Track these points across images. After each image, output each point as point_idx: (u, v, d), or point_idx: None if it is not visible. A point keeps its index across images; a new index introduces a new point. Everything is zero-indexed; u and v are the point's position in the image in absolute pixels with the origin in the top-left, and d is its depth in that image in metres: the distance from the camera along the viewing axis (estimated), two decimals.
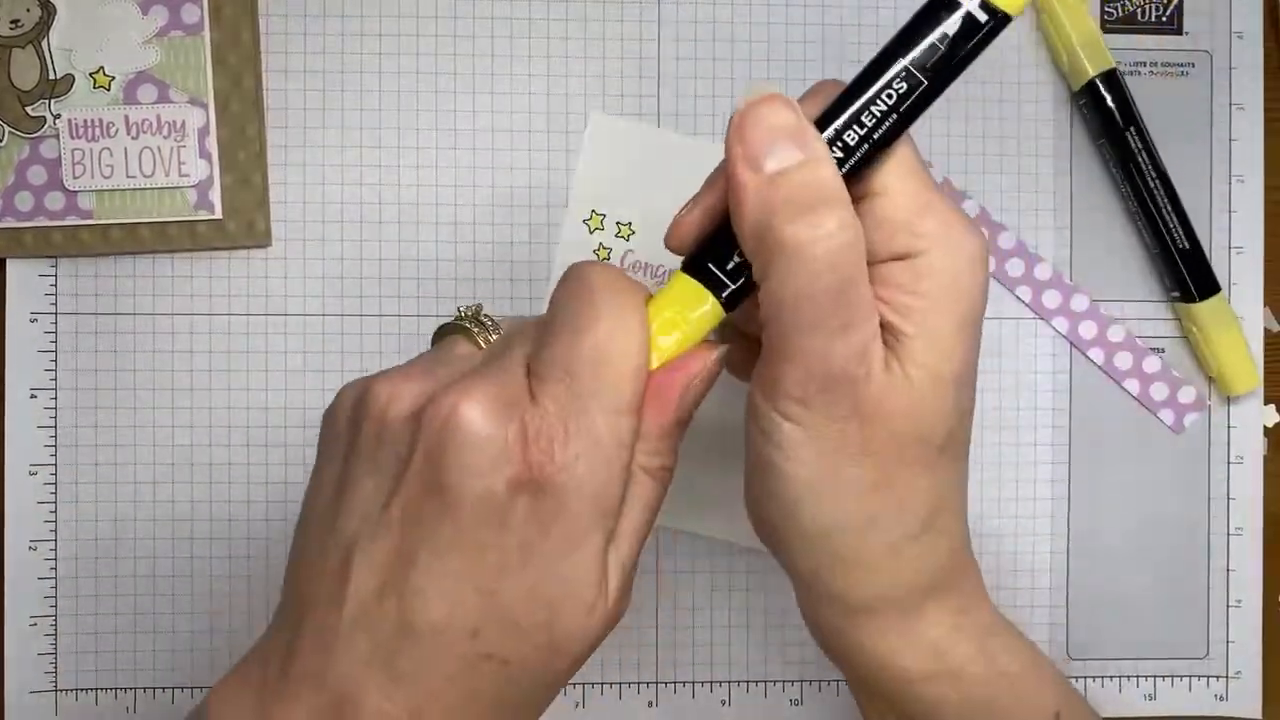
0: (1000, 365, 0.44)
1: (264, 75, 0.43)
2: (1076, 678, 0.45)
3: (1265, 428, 0.45)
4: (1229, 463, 0.45)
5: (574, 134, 0.44)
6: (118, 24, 0.42)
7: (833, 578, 0.30)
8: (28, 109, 0.42)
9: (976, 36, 0.27)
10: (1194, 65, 0.45)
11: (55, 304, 0.43)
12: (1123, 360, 0.44)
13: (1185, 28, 0.45)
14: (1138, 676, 0.45)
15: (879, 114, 0.28)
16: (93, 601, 0.43)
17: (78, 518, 0.43)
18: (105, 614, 0.43)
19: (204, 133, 0.42)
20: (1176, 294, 0.44)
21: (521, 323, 0.30)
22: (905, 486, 0.29)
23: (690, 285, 0.29)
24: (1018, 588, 0.45)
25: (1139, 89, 0.43)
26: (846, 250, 0.27)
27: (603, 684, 0.44)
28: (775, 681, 0.44)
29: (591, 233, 0.44)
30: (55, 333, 0.43)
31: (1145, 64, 0.44)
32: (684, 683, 0.44)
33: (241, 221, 0.43)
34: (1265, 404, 0.45)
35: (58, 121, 0.42)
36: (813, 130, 0.28)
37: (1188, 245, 0.43)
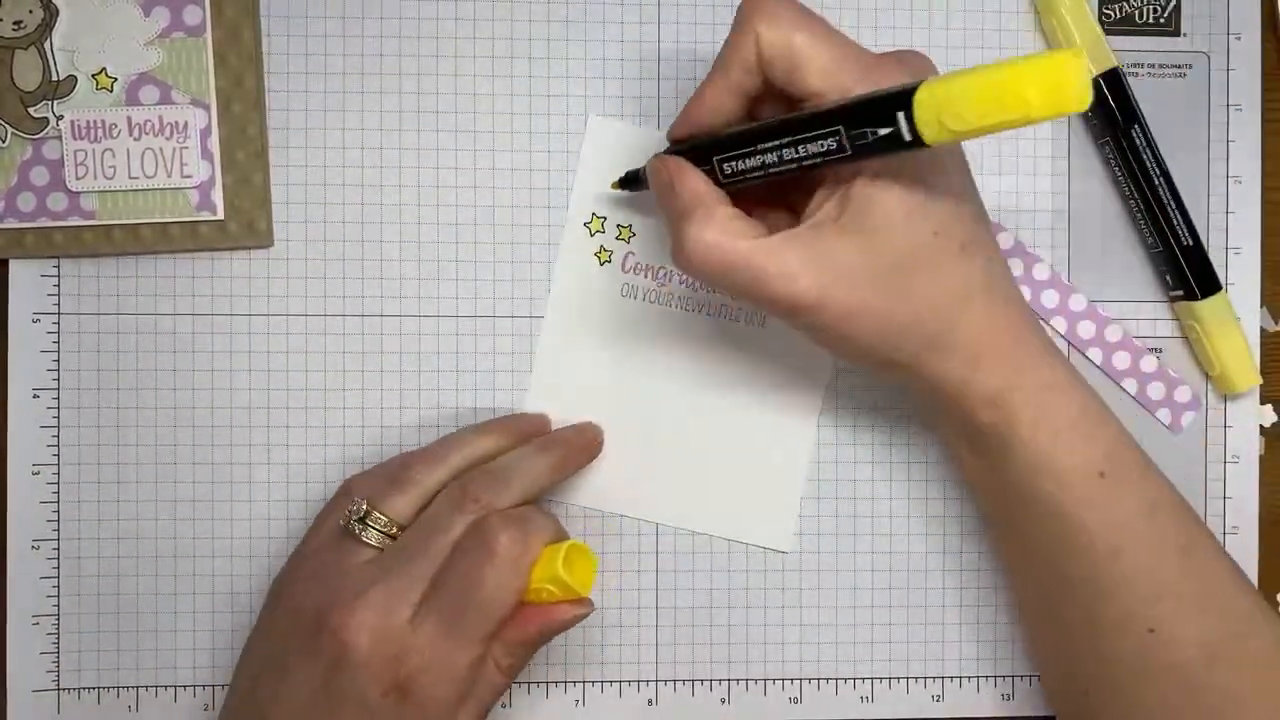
0: None
1: (265, 76, 0.43)
2: None
3: (1262, 427, 0.45)
4: (1226, 462, 0.45)
5: (574, 135, 0.44)
6: (120, 25, 0.42)
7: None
8: (30, 110, 0.42)
9: (898, 146, 0.31)
10: (1192, 66, 0.45)
11: (58, 304, 0.43)
12: (1120, 360, 0.44)
13: (1183, 29, 0.45)
14: None
15: (802, 154, 0.33)
16: (94, 600, 0.43)
17: (80, 517, 0.43)
18: (107, 613, 0.43)
19: (206, 133, 0.42)
20: (1179, 292, 0.44)
21: (421, 536, 0.37)
22: (929, 278, 0.34)
23: (578, 549, 0.37)
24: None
25: (1137, 90, 0.43)
26: None
27: (603, 683, 0.44)
28: (775, 680, 0.44)
29: (592, 235, 0.44)
30: (57, 333, 0.43)
31: (1143, 65, 0.45)
32: (684, 681, 0.44)
33: (243, 222, 0.43)
34: (1262, 404, 0.45)
35: (60, 122, 0.42)
36: None
37: (1190, 243, 0.43)
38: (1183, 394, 0.45)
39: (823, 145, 0.32)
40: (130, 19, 0.42)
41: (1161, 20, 0.45)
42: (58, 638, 0.43)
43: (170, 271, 0.43)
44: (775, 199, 0.38)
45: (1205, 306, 0.43)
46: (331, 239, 0.43)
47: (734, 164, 0.35)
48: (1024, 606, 0.42)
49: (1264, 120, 0.45)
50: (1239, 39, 0.45)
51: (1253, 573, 0.45)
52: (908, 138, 0.30)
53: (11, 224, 0.42)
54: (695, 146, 0.36)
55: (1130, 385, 0.45)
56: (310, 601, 0.37)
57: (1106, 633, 0.37)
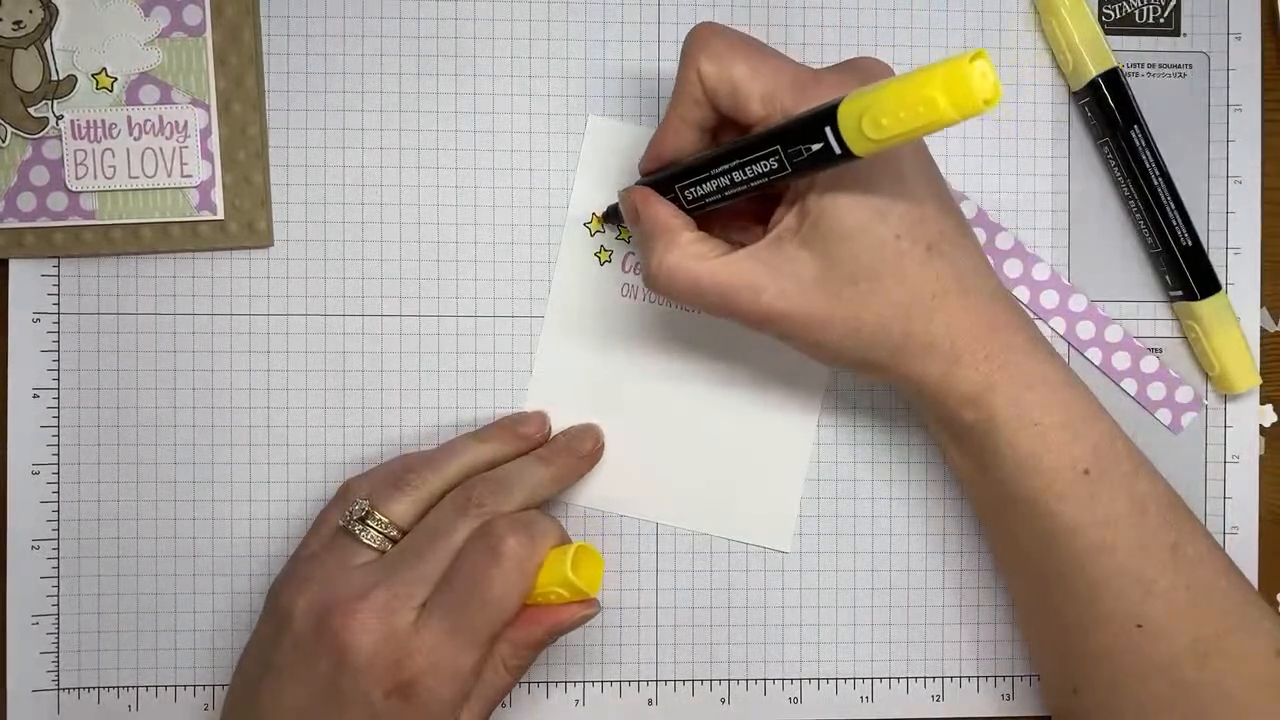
0: None
1: (265, 76, 0.43)
2: None
3: (1262, 427, 0.45)
4: (1226, 462, 0.45)
5: (574, 135, 0.44)
6: (120, 25, 0.42)
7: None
8: (30, 110, 0.42)
9: (831, 158, 0.32)
10: (1192, 66, 0.45)
11: (58, 304, 0.43)
12: (1120, 360, 0.45)
13: (1183, 29, 0.45)
14: None
15: (750, 175, 0.34)
16: (94, 600, 0.43)
17: (80, 517, 0.43)
18: (107, 613, 0.43)
19: (206, 133, 0.42)
20: (1179, 292, 0.44)
21: (425, 539, 0.37)
22: (894, 281, 0.35)
23: (585, 551, 0.38)
24: None
25: (1137, 90, 0.43)
26: None
27: (603, 682, 0.44)
28: (775, 680, 0.44)
29: (592, 235, 0.44)
30: (57, 333, 0.43)
31: (1143, 65, 0.45)
32: (684, 681, 0.44)
33: (243, 222, 0.43)
34: (1262, 404, 0.45)
35: (60, 122, 0.42)
36: None
37: (1190, 243, 0.43)
38: (1183, 394, 0.45)
39: (766, 166, 0.34)
40: (130, 19, 0.42)
41: (1161, 20, 0.45)
42: (58, 638, 0.43)
43: (170, 271, 0.43)
44: (756, 216, 0.38)
45: (1205, 307, 0.43)
46: (331, 239, 0.43)
47: (693, 190, 0.36)
48: (1016, 603, 0.42)
49: (1264, 120, 0.45)
50: (1239, 39, 0.45)
51: (1253, 573, 0.45)
52: (838, 150, 0.32)
53: (11, 224, 0.42)
54: (660, 177, 0.38)
55: (1130, 386, 0.45)
56: (311, 602, 0.37)
57: (1095, 629, 0.37)
